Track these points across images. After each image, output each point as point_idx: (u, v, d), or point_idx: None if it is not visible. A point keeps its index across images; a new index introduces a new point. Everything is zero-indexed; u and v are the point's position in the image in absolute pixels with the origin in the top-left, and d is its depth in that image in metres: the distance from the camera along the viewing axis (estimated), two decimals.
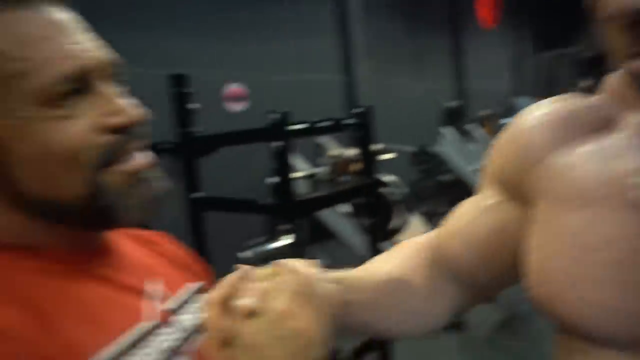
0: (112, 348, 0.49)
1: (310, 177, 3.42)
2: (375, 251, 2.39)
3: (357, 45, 8.50)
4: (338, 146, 3.63)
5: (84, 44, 0.51)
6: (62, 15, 0.51)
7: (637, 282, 0.52)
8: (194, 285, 0.66)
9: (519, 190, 0.64)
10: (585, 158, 0.59)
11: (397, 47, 8.64)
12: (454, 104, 6.64)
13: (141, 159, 0.54)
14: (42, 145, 0.48)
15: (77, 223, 0.52)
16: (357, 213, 2.61)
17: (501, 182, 0.67)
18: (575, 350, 0.59)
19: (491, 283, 0.72)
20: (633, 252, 0.53)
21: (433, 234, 0.77)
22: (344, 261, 0.91)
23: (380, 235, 2.36)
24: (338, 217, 3.86)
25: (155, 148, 2.28)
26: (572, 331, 0.58)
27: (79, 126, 0.49)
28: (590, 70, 6.79)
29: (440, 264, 0.73)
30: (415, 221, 2.91)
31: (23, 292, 0.47)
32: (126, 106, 0.52)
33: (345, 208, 3.11)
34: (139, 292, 0.57)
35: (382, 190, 2.38)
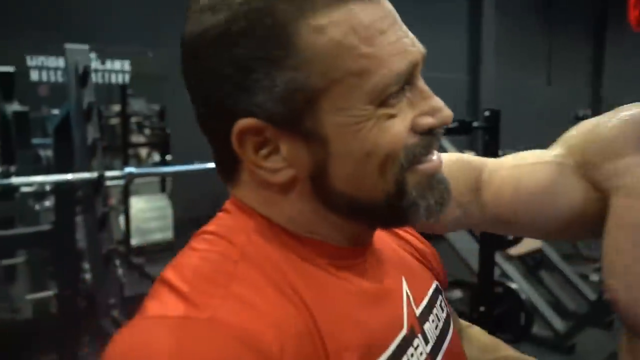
0: (379, 358, 0.48)
1: None
2: (489, 260, 2.35)
3: (486, 44, 8.15)
4: (456, 150, 3.58)
5: (408, 36, 0.47)
6: (388, 4, 0.48)
7: None
8: (433, 286, 0.64)
9: (592, 174, 0.65)
10: None
11: (529, 47, 8.12)
12: (586, 112, 6.19)
13: (436, 159, 0.51)
14: (367, 145, 0.46)
15: (375, 221, 0.52)
16: None
17: (577, 162, 0.67)
18: (633, 341, 0.60)
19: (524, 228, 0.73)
20: None
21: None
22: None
23: (498, 244, 2.31)
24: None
25: None
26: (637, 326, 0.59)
27: (400, 126, 0.46)
28: None
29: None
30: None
31: (294, 286, 0.46)
32: (442, 106, 0.49)
33: None
34: (396, 293, 0.55)
35: None
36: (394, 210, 0.49)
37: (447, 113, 0.49)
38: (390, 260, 0.58)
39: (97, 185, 2.29)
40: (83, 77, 2.35)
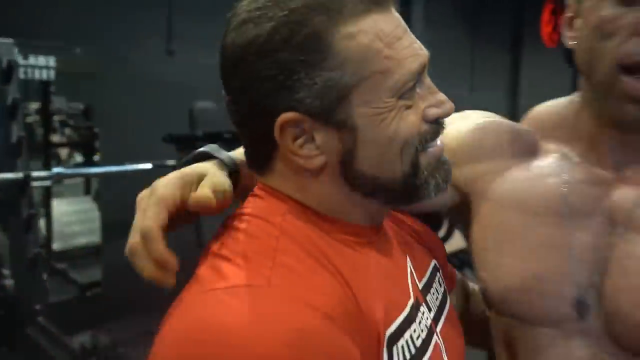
0: (397, 323, 0.56)
1: None
2: None
3: None
4: None
5: (417, 41, 0.57)
6: (397, 15, 0.57)
7: (572, 274, 0.67)
8: (432, 264, 0.72)
9: (454, 176, 0.73)
10: (522, 173, 0.73)
11: (454, 57, 8.58)
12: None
13: (441, 144, 0.60)
14: (390, 132, 0.54)
15: (392, 198, 0.60)
16: None
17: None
18: (514, 330, 0.72)
19: None
20: (569, 249, 0.68)
21: None
22: None
23: None
24: None
25: (221, 137, 2.47)
26: (519, 317, 0.71)
27: (414, 115, 0.56)
28: None
29: None
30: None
31: (330, 259, 0.54)
32: (446, 99, 0.58)
33: None
34: (403, 267, 0.64)
35: None
36: (409, 188, 0.58)
37: (450, 105, 0.59)
38: (395, 240, 0.67)
39: (23, 185, 2.18)
40: (7, 72, 2.24)
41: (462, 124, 0.78)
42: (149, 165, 3.31)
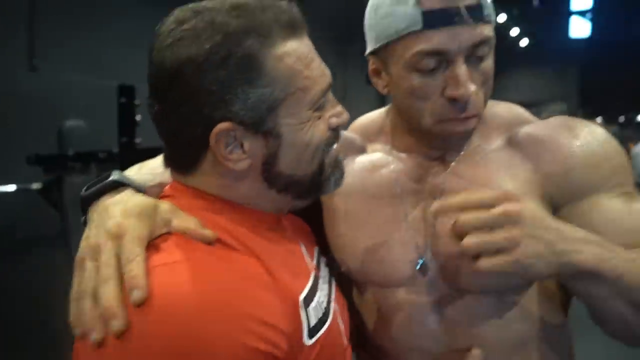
0: (305, 291, 0.67)
1: None
2: None
3: None
4: None
5: (323, 62, 0.68)
6: (309, 41, 0.67)
7: (411, 242, 0.81)
8: (317, 249, 0.83)
9: None
10: (358, 167, 0.89)
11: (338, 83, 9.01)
12: None
13: (338, 147, 0.72)
14: (307, 138, 0.65)
15: (302, 193, 0.70)
16: None
17: None
18: (375, 296, 0.85)
19: None
20: (405, 222, 0.83)
21: None
22: None
23: None
24: None
25: (96, 157, 2.43)
26: (377, 284, 0.85)
27: (323, 124, 0.67)
28: None
29: None
30: None
31: (243, 243, 0.64)
32: (344, 111, 0.71)
33: None
34: (299, 249, 0.75)
35: None
36: (315, 184, 0.70)
37: (346, 115, 0.71)
38: (291, 228, 0.78)
39: None
40: None
41: None
42: (12, 187, 3.06)
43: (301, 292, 0.66)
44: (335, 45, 8.81)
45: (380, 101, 9.43)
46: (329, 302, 0.73)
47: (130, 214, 0.60)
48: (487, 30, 0.73)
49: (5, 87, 4.63)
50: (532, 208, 0.65)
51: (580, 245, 0.65)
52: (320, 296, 0.70)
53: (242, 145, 0.63)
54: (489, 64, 0.76)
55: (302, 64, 0.64)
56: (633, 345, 0.73)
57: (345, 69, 9.18)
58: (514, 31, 15.94)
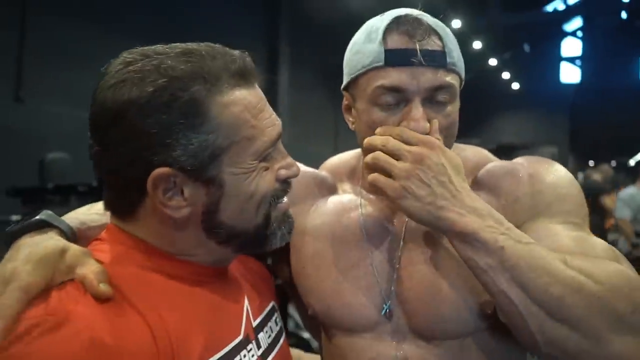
0: (217, 356, 0.62)
1: None
2: (282, 312, 2.45)
3: (282, 113, 8.86)
4: None
5: (273, 113, 0.67)
6: (259, 89, 0.67)
7: (377, 286, 0.81)
8: (270, 305, 0.80)
9: None
10: (328, 208, 0.89)
11: (320, 119, 9.06)
12: None
13: (287, 201, 0.70)
14: (251, 188, 0.63)
15: (244, 246, 0.68)
16: None
17: None
18: (340, 340, 0.84)
19: None
20: (371, 266, 0.82)
21: None
22: None
23: (288, 297, 2.42)
24: None
25: (75, 190, 2.31)
26: (343, 328, 0.83)
27: (271, 175, 0.65)
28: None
29: None
30: None
31: (146, 300, 0.59)
32: (294, 163, 0.69)
33: None
34: (239, 307, 0.70)
35: None
36: (260, 237, 0.67)
37: (297, 168, 0.69)
38: (238, 281, 0.75)
39: None
40: None
41: None
42: None
43: (209, 358, 0.61)
44: (327, 83, 8.87)
45: None
46: None
47: (29, 259, 0.57)
48: (450, 78, 0.76)
49: None
50: (442, 162, 0.70)
51: (469, 211, 0.68)
52: None
53: (182, 192, 0.61)
54: (452, 110, 0.78)
55: (249, 113, 0.63)
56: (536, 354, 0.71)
57: (337, 106, 9.18)
58: (505, 75, 16.25)
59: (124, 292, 0.58)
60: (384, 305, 0.80)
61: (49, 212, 0.66)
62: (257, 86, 0.66)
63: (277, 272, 0.94)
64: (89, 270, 0.57)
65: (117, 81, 0.59)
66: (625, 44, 14.46)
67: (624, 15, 14.03)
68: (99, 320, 0.54)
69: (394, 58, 0.75)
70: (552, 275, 0.64)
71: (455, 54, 0.77)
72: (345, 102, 0.86)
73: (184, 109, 0.58)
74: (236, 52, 0.65)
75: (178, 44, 0.64)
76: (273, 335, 0.75)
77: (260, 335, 0.72)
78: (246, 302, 0.72)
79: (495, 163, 0.85)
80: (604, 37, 14.67)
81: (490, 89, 16.75)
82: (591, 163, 14.00)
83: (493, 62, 15.00)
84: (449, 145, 0.79)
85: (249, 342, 0.68)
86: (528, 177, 0.80)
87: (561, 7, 15.11)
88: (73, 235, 0.66)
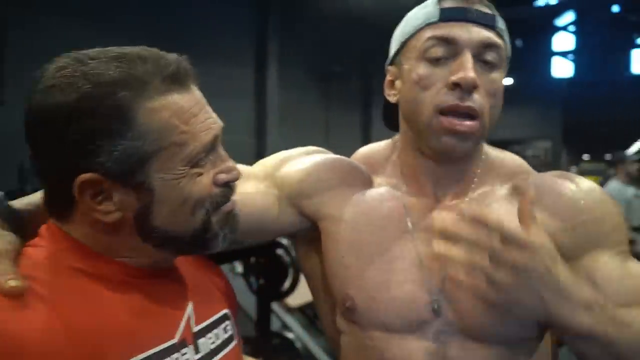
0: (138, 356, 0.61)
1: None
2: (265, 312, 2.39)
3: (271, 112, 8.79)
4: None
5: (211, 116, 0.66)
6: (198, 92, 0.66)
7: (425, 281, 0.78)
8: (221, 312, 0.78)
9: (302, 204, 0.86)
10: (365, 198, 0.85)
11: (311, 115, 9.01)
12: None
13: (232, 202, 0.69)
14: (184, 194, 0.63)
15: (182, 249, 0.68)
16: (249, 273, 2.61)
17: (288, 193, 0.86)
18: (371, 337, 0.79)
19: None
20: (418, 260, 0.79)
21: None
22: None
23: (272, 296, 2.37)
24: (230, 277, 3.79)
25: None
26: (384, 325, 0.78)
27: (206, 180, 0.64)
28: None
29: None
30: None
31: (64, 301, 0.59)
32: (234, 166, 0.68)
33: (238, 268, 3.09)
34: (177, 311, 0.69)
35: (277, 251, 2.41)
36: (198, 241, 0.67)
37: (238, 172, 0.69)
38: (185, 285, 0.73)
39: None
40: None
41: (306, 160, 0.89)
42: None
43: (130, 358, 0.61)
44: (318, 82, 8.79)
45: (364, 138, 9.37)
46: None
47: None
48: (498, 39, 0.78)
49: None
50: (546, 261, 0.65)
51: (577, 308, 0.66)
52: None
53: (111, 197, 0.62)
54: (499, 77, 0.79)
55: (178, 119, 0.62)
56: None
57: (328, 105, 9.14)
58: None
59: (40, 291, 0.58)
60: (433, 302, 0.77)
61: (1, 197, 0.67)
62: (194, 89, 0.65)
63: (302, 262, 0.93)
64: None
65: (45, 87, 0.60)
66: (618, 37, 14.45)
67: (615, 8, 14.03)
68: (5, 314, 0.55)
69: (450, 14, 0.78)
70: (635, 350, 0.69)
71: (503, 26, 0.81)
72: (388, 78, 0.86)
73: (109, 115, 0.59)
74: (171, 56, 0.64)
75: (114, 47, 0.64)
76: (219, 342, 0.74)
77: (201, 341, 0.71)
78: (189, 307, 0.71)
79: (543, 179, 0.83)
80: (596, 31, 14.66)
81: None
82: (586, 157, 13.97)
83: None
84: (493, 119, 0.79)
85: (185, 346, 0.68)
86: (585, 205, 0.79)
87: (553, 1, 15.09)
88: (17, 219, 0.66)
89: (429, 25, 0.78)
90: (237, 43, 8.28)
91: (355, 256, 0.81)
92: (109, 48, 0.63)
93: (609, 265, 0.77)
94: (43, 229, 0.67)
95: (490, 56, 0.77)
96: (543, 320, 0.68)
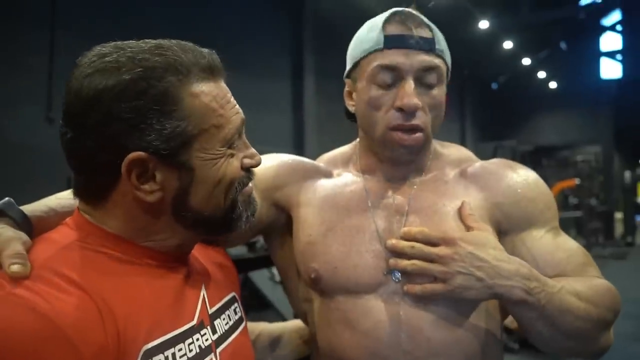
0: (159, 340, 0.63)
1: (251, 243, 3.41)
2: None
3: (309, 123, 8.85)
4: None
5: (237, 104, 0.72)
6: (225, 85, 0.72)
7: (381, 250, 0.89)
8: (229, 295, 0.83)
9: (275, 196, 0.98)
10: (329, 185, 0.98)
11: (347, 127, 9.00)
12: None
13: (252, 186, 0.75)
14: (220, 174, 0.68)
15: (212, 229, 0.72)
16: None
17: (265, 189, 0.96)
18: (338, 301, 0.90)
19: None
20: (376, 232, 0.91)
21: None
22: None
23: None
24: (273, 284, 3.81)
25: None
26: (347, 290, 0.89)
27: (237, 162, 0.70)
28: (525, 162, 7.27)
29: None
30: None
31: (96, 285, 0.60)
32: (256, 153, 0.74)
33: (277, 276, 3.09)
34: (194, 293, 0.73)
35: None
36: (227, 220, 0.72)
37: (259, 158, 0.75)
38: (198, 270, 0.78)
39: None
40: None
41: (273, 160, 1.01)
42: None
43: (149, 342, 0.62)
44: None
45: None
46: (203, 352, 0.69)
47: None
48: (438, 61, 0.90)
49: (23, 137, 4.66)
50: (468, 248, 0.81)
51: (511, 280, 0.80)
52: (184, 348, 0.67)
53: (154, 177, 0.65)
54: (439, 93, 0.90)
55: (217, 103, 0.68)
56: (552, 353, 0.92)
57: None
58: (541, 74, 15.78)
59: (69, 274, 0.59)
60: (388, 268, 0.88)
61: (9, 200, 0.68)
62: (222, 81, 0.71)
63: (274, 252, 1.03)
64: (11, 251, 0.59)
65: (93, 71, 0.62)
66: None
67: None
68: (39, 299, 0.55)
69: (392, 42, 0.89)
70: (573, 313, 0.83)
71: (442, 44, 0.92)
72: (346, 89, 0.98)
73: (158, 97, 0.63)
74: (205, 50, 0.70)
75: (149, 40, 0.68)
76: (231, 322, 0.79)
77: (217, 322, 0.76)
78: (203, 290, 0.76)
79: (485, 163, 0.98)
80: None
81: (525, 89, 16.30)
82: None
83: (527, 61, 14.59)
84: (435, 126, 0.92)
85: (204, 327, 0.72)
86: (521, 185, 0.94)
87: (598, 0, 14.59)
88: (27, 224, 0.68)
89: (375, 51, 0.89)
90: (274, 57, 8.38)
91: (322, 234, 0.92)
92: (144, 40, 0.68)
93: (543, 240, 0.92)
94: (68, 220, 0.69)
95: (430, 78, 0.88)
96: (479, 297, 0.81)
